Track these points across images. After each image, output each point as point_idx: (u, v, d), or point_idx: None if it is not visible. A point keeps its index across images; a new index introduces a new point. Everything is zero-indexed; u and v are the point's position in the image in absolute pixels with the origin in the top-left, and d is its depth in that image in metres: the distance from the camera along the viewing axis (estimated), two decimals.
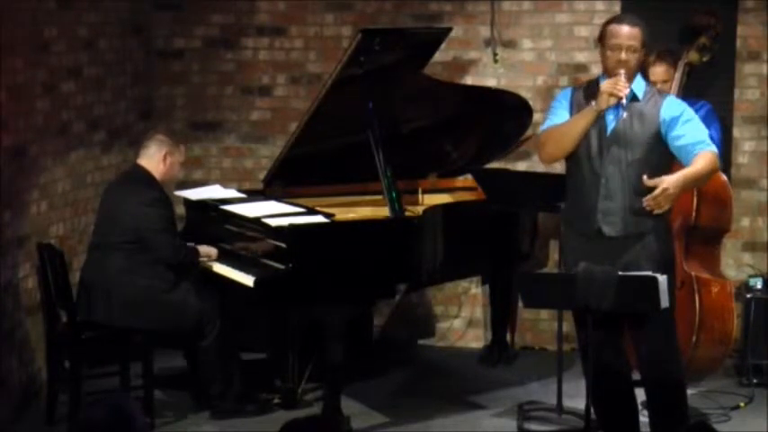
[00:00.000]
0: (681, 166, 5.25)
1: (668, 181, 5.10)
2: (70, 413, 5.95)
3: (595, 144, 5.27)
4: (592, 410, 5.40)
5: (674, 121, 5.23)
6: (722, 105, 7.02)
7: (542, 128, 5.46)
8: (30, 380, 6.38)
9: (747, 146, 7.31)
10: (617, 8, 7.25)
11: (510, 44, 7.49)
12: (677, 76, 6.44)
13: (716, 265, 6.53)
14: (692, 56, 6.58)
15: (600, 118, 5.25)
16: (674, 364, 5.42)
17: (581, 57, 7.42)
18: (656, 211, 5.14)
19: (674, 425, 5.34)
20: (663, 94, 5.43)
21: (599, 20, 7.32)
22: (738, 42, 7.18)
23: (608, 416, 5.53)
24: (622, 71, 5.19)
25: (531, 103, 7.02)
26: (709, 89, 6.99)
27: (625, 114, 5.21)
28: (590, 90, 5.35)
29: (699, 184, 5.49)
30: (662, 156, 5.27)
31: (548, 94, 7.45)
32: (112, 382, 6.22)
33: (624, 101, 5.17)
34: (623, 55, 5.20)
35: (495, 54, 7.46)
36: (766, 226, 7.32)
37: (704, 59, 6.65)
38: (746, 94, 7.24)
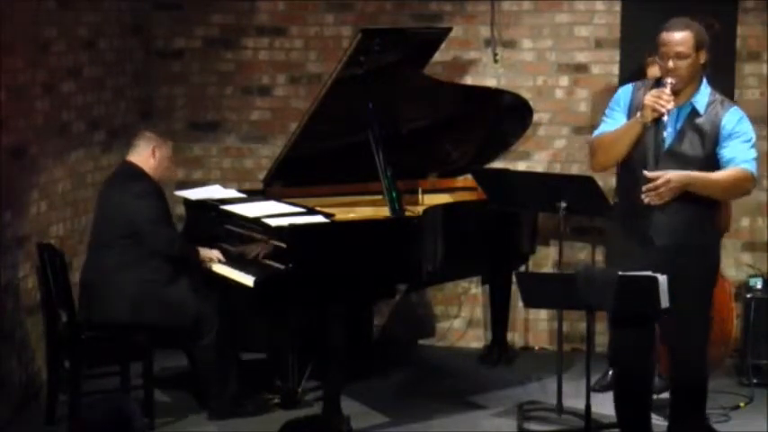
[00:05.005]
0: None
1: (672, 174, 5.05)
2: (70, 413, 5.95)
3: (652, 157, 5.18)
4: (591, 410, 5.48)
5: (728, 136, 5.15)
6: None
7: (595, 133, 5.38)
8: (30, 380, 6.38)
9: None
10: (617, 8, 7.24)
11: (510, 44, 7.49)
12: None
13: None
14: None
15: (658, 129, 5.14)
16: (701, 370, 5.47)
17: (581, 57, 7.41)
18: (654, 202, 5.07)
19: (690, 424, 5.45)
20: (725, 105, 5.23)
21: (599, 20, 7.36)
22: (738, 42, 7.17)
23: (624, 415, 5.55)
24: (669, 81, 5.09)
25: (531, 103, 7.03)
26: None
27: (684, 130, 5.14)
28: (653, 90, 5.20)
29: (714, 193, 5.23)
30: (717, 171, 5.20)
31: (548, 94, 7.46)
32: (112, 382, 6.23)
33: (666, 117, 5.07)
34: (670, 63, 5.10)
35: (495, 54, 7.46)
36: (766, 226, 7.32)
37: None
38: (746, 94, 7.23)
